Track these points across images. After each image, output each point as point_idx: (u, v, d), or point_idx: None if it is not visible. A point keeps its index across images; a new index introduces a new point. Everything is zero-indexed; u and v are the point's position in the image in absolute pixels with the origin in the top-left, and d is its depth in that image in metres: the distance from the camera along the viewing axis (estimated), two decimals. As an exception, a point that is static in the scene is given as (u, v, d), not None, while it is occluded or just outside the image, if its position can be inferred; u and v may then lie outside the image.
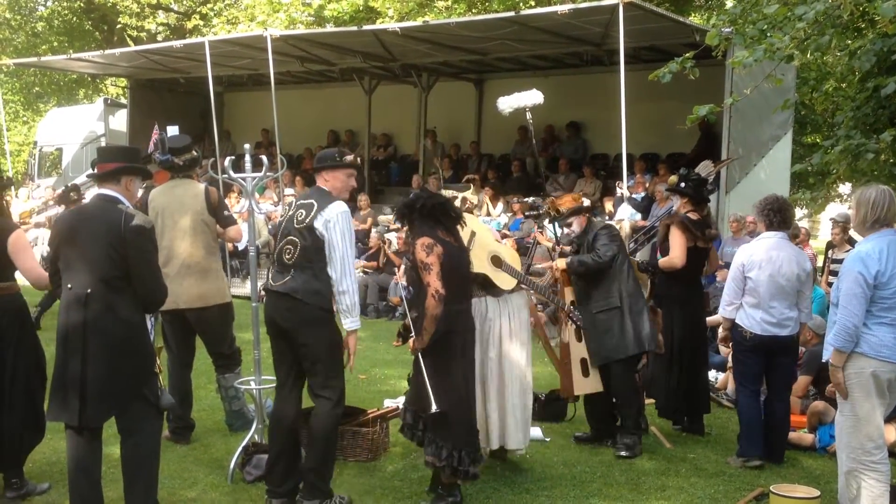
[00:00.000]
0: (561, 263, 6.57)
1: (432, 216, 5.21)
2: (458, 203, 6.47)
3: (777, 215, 6.24)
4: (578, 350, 6.50)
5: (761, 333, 6.16)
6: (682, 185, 6.99)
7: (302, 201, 5.18)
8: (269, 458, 5.26)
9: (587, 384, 6.50)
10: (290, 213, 5.19)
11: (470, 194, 14.17)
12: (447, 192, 6.50)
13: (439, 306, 4.94)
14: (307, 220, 5.00)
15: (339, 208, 5.04)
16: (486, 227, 6.59)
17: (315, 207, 5.03)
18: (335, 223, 4.97)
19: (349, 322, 5.05)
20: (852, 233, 11.59)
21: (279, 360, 5.20)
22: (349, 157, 5.35)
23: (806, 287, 6.29)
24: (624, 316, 6.42)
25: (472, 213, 7.17)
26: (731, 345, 6.61)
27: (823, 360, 4.81)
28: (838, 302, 4.76)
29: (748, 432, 6.27)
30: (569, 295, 6.64)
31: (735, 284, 6.25)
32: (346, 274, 4.98)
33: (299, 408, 5.25)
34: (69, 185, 10.98)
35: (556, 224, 6.87)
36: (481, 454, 5.38)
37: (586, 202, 6.93)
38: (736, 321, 6.29)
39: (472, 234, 5.87)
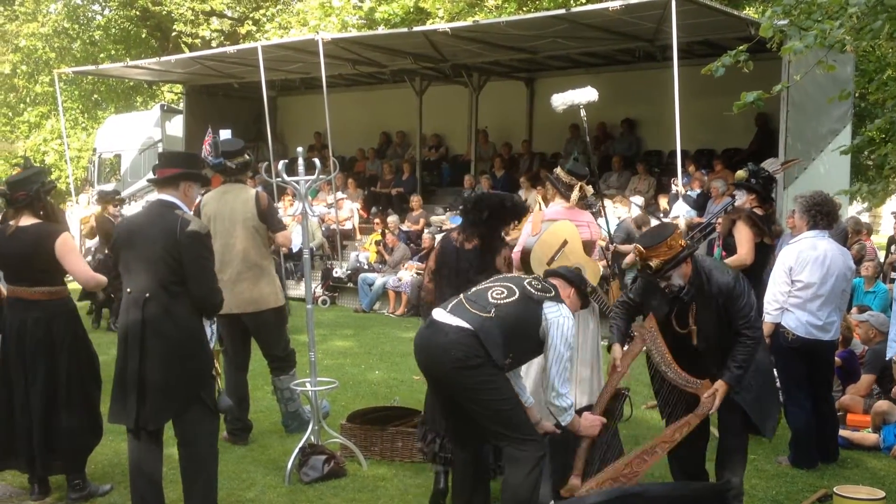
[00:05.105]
0: (722, 389, 4.77)
1: (472, 213, 5.43)
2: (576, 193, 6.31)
3: (822, 214, 6.07)
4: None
5: (805, 336, 5.96)
6: (752, 180, 6.84)
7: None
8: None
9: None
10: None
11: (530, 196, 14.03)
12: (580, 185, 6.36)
13: (425, 295, 5.73)
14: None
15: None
16: (578, 237, 5.99)
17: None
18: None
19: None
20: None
21: None
22: None
23: (849, 287, 6.08)
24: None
25: (585, 197, 6.56)
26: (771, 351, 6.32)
27: (887, 358, 4.68)
28: None
29: (799, 444, 6.11)
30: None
31: (778, 289, 6.05)
32: None
33: None
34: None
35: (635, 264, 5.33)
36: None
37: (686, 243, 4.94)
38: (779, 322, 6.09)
39: (564, 242, 5.88)
